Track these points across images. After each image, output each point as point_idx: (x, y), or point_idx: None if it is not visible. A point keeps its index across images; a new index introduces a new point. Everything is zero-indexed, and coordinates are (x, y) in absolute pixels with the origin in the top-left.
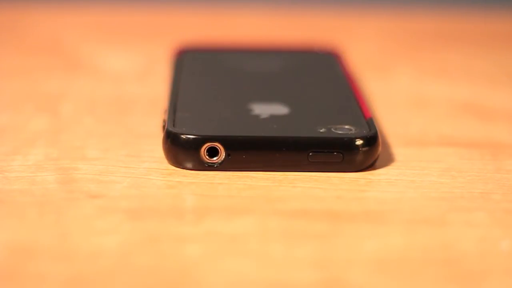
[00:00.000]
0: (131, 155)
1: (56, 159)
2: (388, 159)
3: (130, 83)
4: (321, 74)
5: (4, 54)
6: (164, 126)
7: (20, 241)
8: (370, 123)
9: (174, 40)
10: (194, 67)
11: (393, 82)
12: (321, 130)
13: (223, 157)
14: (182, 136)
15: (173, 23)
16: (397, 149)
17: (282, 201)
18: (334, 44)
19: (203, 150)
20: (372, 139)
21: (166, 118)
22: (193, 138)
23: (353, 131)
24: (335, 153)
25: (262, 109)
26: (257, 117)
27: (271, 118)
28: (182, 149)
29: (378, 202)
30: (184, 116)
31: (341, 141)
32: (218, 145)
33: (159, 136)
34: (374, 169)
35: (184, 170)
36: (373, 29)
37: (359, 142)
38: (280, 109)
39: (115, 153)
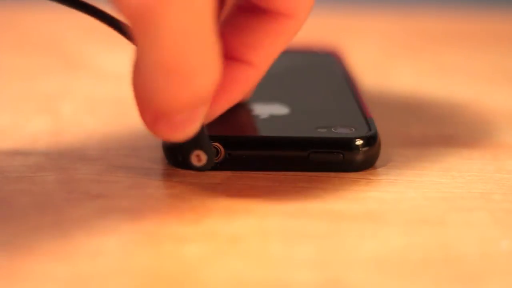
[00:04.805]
0: (131, 155)
1: (56, 159)
2: (388, 159)
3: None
4: (321, 74)
5: (4, 54)
6: None
7: (20, 241)
8: (370, 123)
9: None
10: None
11: (393, 82)
12: (321, 130)
13: (223, 157)
14: None
15: None
16: (397, 149)
17: (282, 201)
18: (334, 44)
19: None
20: (372, 139)
21: None
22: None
23: (353, 131)
24: (335, 153)
25: (262, 109)
26: (257, 117)
27: (271, 118)
28: (182, 149)
29: (378, 202)
30: None
31: (341, 141)
32: (218, 145)
33: None
34: (374, 169)
35: (184, 170)
36: (374, 29)
37: (359, 142)
38: (280, 109)
39: (115, 153)
